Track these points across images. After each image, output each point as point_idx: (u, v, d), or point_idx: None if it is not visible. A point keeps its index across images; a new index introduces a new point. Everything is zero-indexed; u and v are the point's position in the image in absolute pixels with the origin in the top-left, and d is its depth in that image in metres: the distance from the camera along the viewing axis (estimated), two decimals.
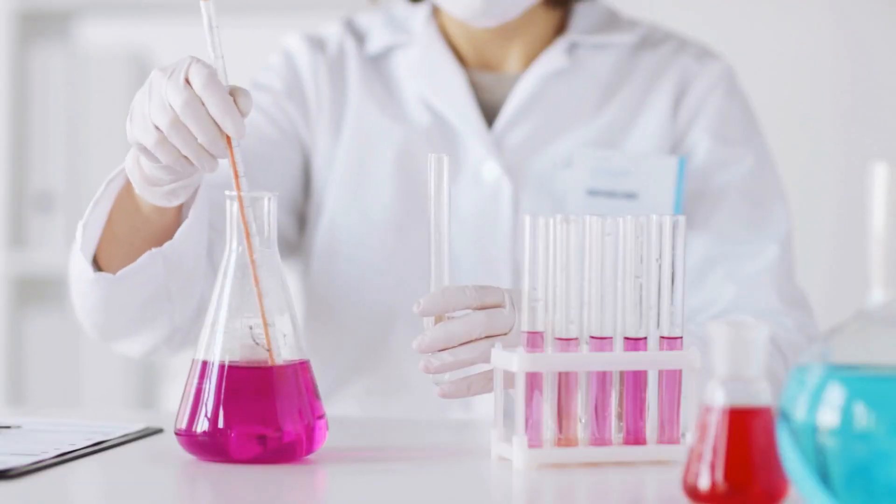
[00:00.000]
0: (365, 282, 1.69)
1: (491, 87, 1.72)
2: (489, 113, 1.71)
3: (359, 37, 1.75)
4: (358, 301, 1.69)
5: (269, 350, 1.23)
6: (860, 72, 2.77)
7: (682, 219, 1.23)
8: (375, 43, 1.73)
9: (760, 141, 1.71)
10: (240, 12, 2.80)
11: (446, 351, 1.27)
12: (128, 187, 1.42)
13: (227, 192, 1.25)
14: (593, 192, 1.65)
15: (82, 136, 2.74)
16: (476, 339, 1.27)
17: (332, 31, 1.76)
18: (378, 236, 1.68)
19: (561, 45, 1.71)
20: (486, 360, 1.27)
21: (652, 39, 1.74)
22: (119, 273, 1.44)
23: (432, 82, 1.70)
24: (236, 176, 1.25)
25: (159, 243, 1.44)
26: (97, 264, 1.46)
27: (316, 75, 1.72)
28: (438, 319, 1.28)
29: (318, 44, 1.74)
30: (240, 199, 1.25)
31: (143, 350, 1.57)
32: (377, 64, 1.74)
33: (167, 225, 1.44)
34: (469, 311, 1.28)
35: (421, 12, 1.74)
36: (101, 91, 2.74)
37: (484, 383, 1.28)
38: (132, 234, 1.45)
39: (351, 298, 1.70)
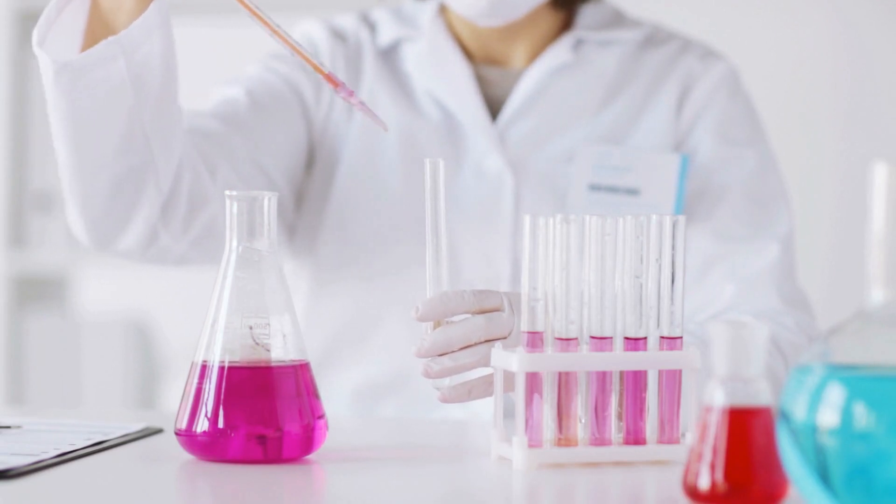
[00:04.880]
0: (369, 267, 1.69)
1: (496, 81, 1.73)
2: (494, 107, 1.72)
3: (372, 29, 1.77)
4: (358, 287, 1.69)
5: None
6: (860, 72, 2.77)
7: (681, 218, 1.23)
8: (385, 35, 1.75)
9: (763, 141, 1.72)
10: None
11: (446, 355, 1.27)
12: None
13: (227, 193, 1.25)
14: (595, 188, 1.66)
15: None
16: (475, 343, 1.27)
17: (349, 23, 1.77)
18: (385, 226, 1.69)
19: (567, 40, 1.71)
20: (486, 363, 1.26)
21: (656, 38, 1.75)
22: (77, 58, 1.38)
23: (438, 75, 1.71)
24: None
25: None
26: None
27: (334, 62, 1.74)
28: (437, 324, 1.28)
29: (338, 34, 1.76)
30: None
31: (141, 236, 1.54)
32: (389, 57, 1.75)
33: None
34: (468, 315, 1.28)
35: (428, 8, 1.75)
36: None
37: (484, 388, 1.28)
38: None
39: (354, 281, 1.70)
